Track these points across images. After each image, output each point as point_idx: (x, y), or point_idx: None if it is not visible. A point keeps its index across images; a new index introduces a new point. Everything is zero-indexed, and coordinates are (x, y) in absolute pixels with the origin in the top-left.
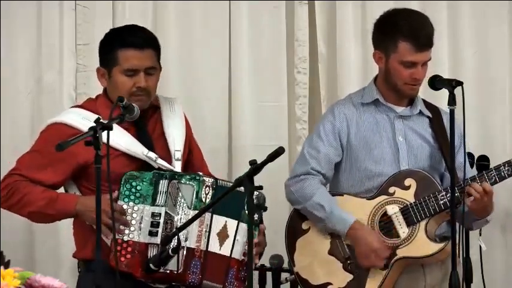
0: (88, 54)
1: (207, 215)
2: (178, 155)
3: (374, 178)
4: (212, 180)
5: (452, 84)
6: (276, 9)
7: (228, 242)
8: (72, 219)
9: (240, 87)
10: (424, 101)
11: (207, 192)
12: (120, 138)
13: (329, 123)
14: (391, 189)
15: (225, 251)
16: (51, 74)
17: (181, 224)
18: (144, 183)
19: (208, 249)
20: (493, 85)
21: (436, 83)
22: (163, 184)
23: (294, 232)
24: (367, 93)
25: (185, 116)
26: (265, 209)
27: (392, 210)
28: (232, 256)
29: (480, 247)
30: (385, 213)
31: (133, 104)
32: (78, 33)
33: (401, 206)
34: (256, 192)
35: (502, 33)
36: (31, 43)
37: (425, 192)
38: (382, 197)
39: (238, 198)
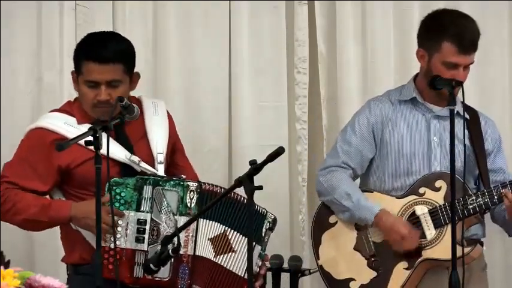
0: None
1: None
2: (161, 157)
3: (405, 176)
4: (196, 184)
5: (452, 84)
6: (276, 9)
7: (235, 258)
8: None
9: (240, 87)
10: (463, 103)
11: (191, 197)
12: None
13: (364, 118)
14: (422, 190)
15: (233, 267)
16: (51, 74)
17: (171, 228)
18: (128, 189)
19: (196, 253)
20: (493, 85)
21: (436, 83)
22: (147, 190)
23: (320, 225)
24: (406, 90)
25: (170, 116)
26: (272, 230)
27: (421, 210)
28: (245, 277)
29: None
30: (413, 213)
31: (133, 104)
32: (78, 33)
33: (431, 208)
34: (272, 216)
35: (502, 33)
36: (31, 43)
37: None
38: (412, 197)
39: (257, 219)
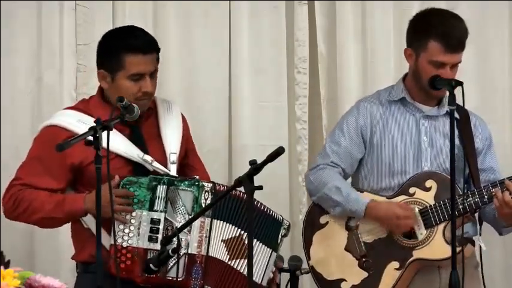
0: (88, 54)
1: (206, 219)
2: (173, 157)
3: (395, 176)
4: (211, 185)
5: (452, 84)
6: (276, 9)
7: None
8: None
9: (240, 87)
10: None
11: (206, 197)
12: (115, 140)
13: (353, 119)
14: (412, 190)
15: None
16: (51, 74)
17: (181, 225)
18: (142, 188)
19: (209, 254)
20: (493, 85)
21: (436, 82)
22: (161, 189)
23: (311, 226)
24: (395, 90)
25: (184, 118)
26: (286, 236)
27: None
28: (262, 283)
29: (480, 247)
30: None
31: (133, 104)
32: (78, 33)
33: (421, 208)
34: (287, 222)
35: (502, 33)
36: (31, 43)
37: (445, 195)
38: (402, 197)
39: (274, 227)
